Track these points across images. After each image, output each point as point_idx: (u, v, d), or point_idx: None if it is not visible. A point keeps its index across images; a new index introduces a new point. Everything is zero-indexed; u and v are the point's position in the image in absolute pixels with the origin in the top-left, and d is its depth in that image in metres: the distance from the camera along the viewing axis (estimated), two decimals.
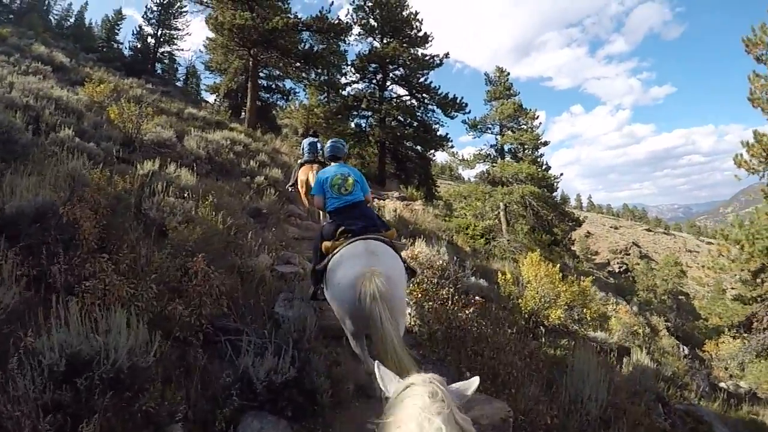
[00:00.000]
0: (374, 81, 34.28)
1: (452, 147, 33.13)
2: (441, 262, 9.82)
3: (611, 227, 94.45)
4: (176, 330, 4.32)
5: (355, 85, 35.01)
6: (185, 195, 8.14)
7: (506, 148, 28.11)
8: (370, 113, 34.07)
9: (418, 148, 34.11)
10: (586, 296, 8.90)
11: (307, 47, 26.22)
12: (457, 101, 32.32)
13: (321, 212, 9.30)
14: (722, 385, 13.56)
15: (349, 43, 30.27)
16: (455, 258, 11.41)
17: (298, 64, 27.04)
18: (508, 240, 22.86)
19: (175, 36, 43.15)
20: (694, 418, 7.96)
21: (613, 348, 11.39)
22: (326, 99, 32.92)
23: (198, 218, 6.99)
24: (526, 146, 26.69)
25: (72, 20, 45.78)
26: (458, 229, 21.09)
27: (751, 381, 14.38)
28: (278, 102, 34.68)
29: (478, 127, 28.50)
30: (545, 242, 23.96)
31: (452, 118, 33.21)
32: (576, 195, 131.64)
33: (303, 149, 11.70)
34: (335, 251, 4.54)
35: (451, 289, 8.08)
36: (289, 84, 35.54)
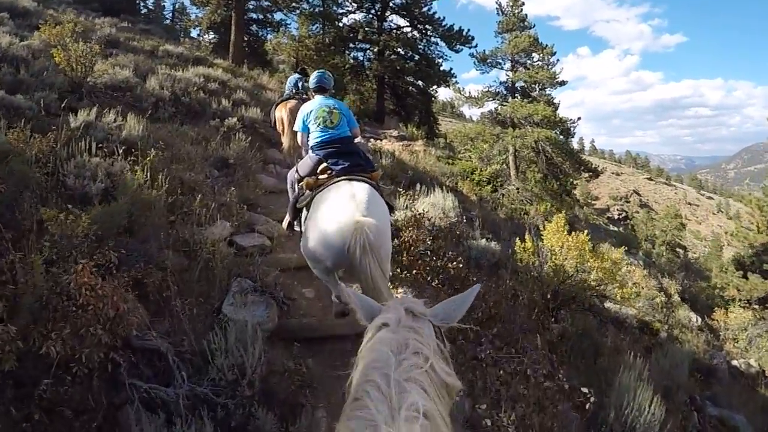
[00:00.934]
0: (372, 11, 31.72)
1: (456, 83, 30.97)
2: (447, 222, 8.30)
3: (612, 173, 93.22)
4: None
5: (352, 16, 32.40)
6: (128, 150, 6.55)
7: (518, 85, 25.39)
8: (367, 46, 31.69)
9: (420, 83, 31.98)
10: (616, 272, 7.29)
11: None
12: (463, 34, 29.90)
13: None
14: (734, 363, 12.31)
15: None
16: (461, 213, 9.94)
17: None
18: (517, 188, 21.11)
19: None
20: (729, 428, 7.34)
21: (635, 325, 10.16)
22: (320, 30, 30.13)
23: (128, 182, 5.35)
24: (541, 85, 24.03)
25: None
26: (463, 174, 19.48)
27: (762, 360, 13.22)
28: (269, 36, 31.95)
29: (488, 61, 25.78)
30: (557, 192, 22.15)
31: (457, 51, 30.93)
32: (579, 138, 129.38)
33: (286, 86, 11.48)
34: (318, 190, 4.40)
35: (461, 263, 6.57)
36: (281, 17, 33.24)
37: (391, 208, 5.13)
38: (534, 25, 24.14)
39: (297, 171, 4.95)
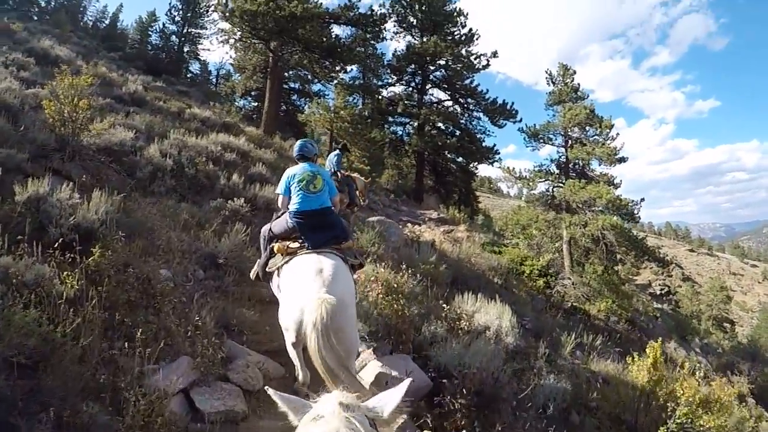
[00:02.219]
0: (413, 84, 30.59)
1: (500, 159, 29.23)
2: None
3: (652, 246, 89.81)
4: None
5: (392, 88, 31.37)
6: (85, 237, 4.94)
7: (572, 164, 23.00)
8: (407, 119, 30.37)
9: (460, 160, 30.23)
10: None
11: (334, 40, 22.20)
12: (507, 107, 28.35)
13: None
14: None
15: (383, 38, 26.26)
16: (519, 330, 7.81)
17: (324, 61, 23.31)
18: (573, 282, 18.54)
19: (202, 35, 40.66)
20: None
21: None
22: (357, 102, 28.87)
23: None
24: (600, 162, 21.42)
25: (107, 22, 45.12)
26: (512, 267, 17.29)
27: None
28: (306, 106, 30.81)
29: (539, 136, 23.53)
30: (616, 285, 19.27)
31: (501, 126, 29.33)
32: None
33: (326, 164, 11.47)
34: (286, 260, 4.45)
35: None
36: (319, 87, 32.32)
37: (360, 265, 5.21)
38: (588, 95, 22.11)
39: (270, 229, 4.94)
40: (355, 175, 13.24)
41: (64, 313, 3.77)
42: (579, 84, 22.57)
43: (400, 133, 31.58)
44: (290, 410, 1.74)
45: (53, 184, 5.75)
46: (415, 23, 29.57)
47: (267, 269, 4.73)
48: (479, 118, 29.60)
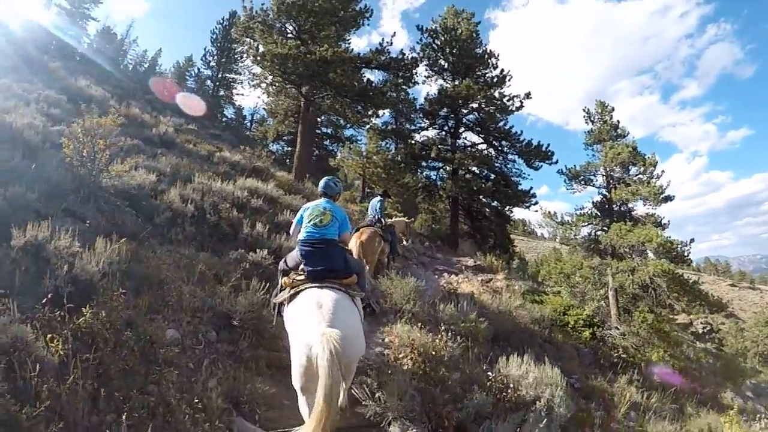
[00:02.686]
0: (445, 127, 30.02)
1: (536, 202, 28.23)
2: None
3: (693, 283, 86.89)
4: None
5: (424, 133, 30.84)
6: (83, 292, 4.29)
7: (615, 205, 21.51)
8: (440, 164, 29.68)
9: (495, 204, 29.14)
10: None
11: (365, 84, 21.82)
12: (542, 149, 27.47)
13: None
14: None
15: (414, 83, 25.83)
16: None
17: (356, 105, 22.98)
18: (621, 332, 17.13)
19: (236, 80, 41.35)
20: None
21: None
22: (390, 147, 28.38)
23: None
24: (646, 202, 19.99)
25: (146, 66, 46.25)
26: (555, 316, 16.23)
27: None
28: (338, 151, 30.47)
29: (580, 177, 22.55)
30: (667, 332, 17.68)
31: (536, 169, 28.34)
32: None
33: (369, 210, 11.55)
34: (291, 293, 4.62)
35: None
36: (351, 133, 32.07)
37: (373, 311, 5.72)
38: (628, 133, 21.16)
39: (285, 261, 5.20)
40: (398, 217, 13.11)
41: (43, 383, 3.13)
42: (618, 121, 21.73)
43: (434, 177, 30.76)
44: None
45: (62, 226, 5.18)
46: (446, 66, 29.18)
47: (274, 300, 5.02)
48: (514, 161, 28.66)
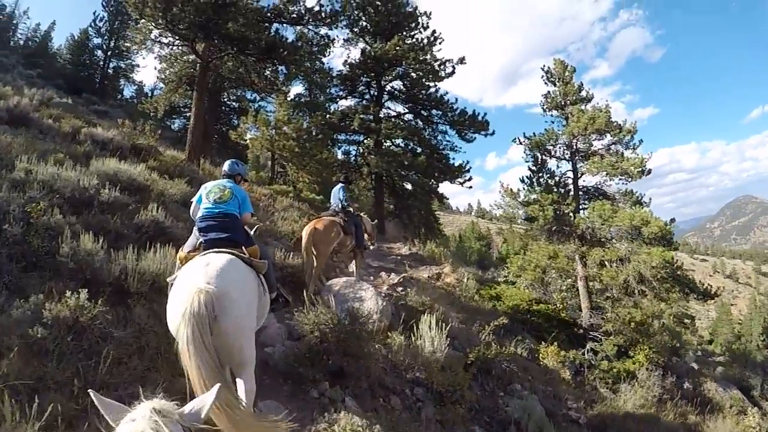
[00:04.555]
0: (367, 96, 26.44)
1: (470, 178, 25.32)
2: None
3: None
4: None
5: (342, 102, 27.21)
6: None
7: (584, 182, 18.07)
8: (361, 137, 26.18)
9: (424, 180, 25.77)
10: None
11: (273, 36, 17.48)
12: (478, 118, 24.57)
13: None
14: None
15: (330, 51, 21.99)
16: None
17: (263, 66, 18.98)
18: (604, 331, 14.29)
19: (129, 50, 35.78)
20: None
21: None
22: (305, 118, 24.24)
23: None
24: (628, 178, 16.38)
25: (38, 41, 41.90)
26: (516, 314, 13.50)
27: None
28: (242, 123, 25.93)
29: (544, 148, 18.28)
30: (640, 323, 15.12)
31: (470, 141, 25.52)
32: None
33: (331, 199, 10.27)
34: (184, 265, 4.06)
35: None
36: (260, 105, 27.92)
37: (286, 302, 5.35)
38: (593, 96, 17.82)
39: (183, 249, 4.64)
40: (363, 215, 11.08)
41: None
42: (582, 83, 18.28)
43: (354, 152, 27.47)
44: (109, 414, 1.78)
45: None
46: (369, 27, 25.57)
47: (169, 280, 4.07)
48: (445, 132, 25.74)
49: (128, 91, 41.11)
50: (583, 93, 17.48)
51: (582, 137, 16.72)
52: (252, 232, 5.49)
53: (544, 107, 18.19)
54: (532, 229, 17.08)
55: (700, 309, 61.96)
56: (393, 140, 25.65)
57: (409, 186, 26.36)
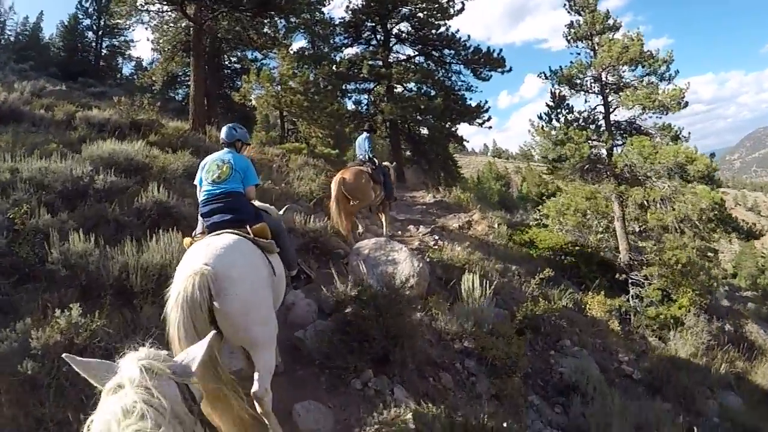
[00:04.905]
0: (373, 42, 25.15)
1: (489, 118, 24.20)
2: None
3: None
4: None
5: (348, 51, 25.85)
6: None
7: (616, 117, 16.39)
8: (372, 84, 25.03)
9: (441, 123, 24.64)
10: None
11: None
12: (493, 55, 23.27)
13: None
14: None
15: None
16: None
17: (260, 20, 17.86)
18: (644, 275, 13.39)
19: (119, 25, 34.44)
20: None
21: None
22: (309, 71, 22.96)
23: None
24: (665, 111, 14.81)
25: (28, 34, 40.06)
26: (554, 259, 12.75)
27: None
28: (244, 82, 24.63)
29: (574, 82, 16.48)
30: (684, 264, 14.16)
31: (486, 79, 24.26)
32: None
33: (356, 149, 10.22)
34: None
35: None
36: (262, 62, 26.65)
37: (308, 278, 5.01)
38: (622, 24, 15.76)
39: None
40: (390, 165, 11.19)
41: None
42: (608, 10, 16.48)
43: (365, 102, 26.36)
44: (93, 377, 1.62)
45: None
46: None
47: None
48: (459, 72, 24.46)
49: (127, 69, 39.47)
50: (611, 21, 15.95)
51: (613, 69, 15.39)
52: (282, 212, 5.24)
53: (569, 38, 16.68)
54: (563, 168, 15.95)
55: (723, 241, 60.10)
56: (405, 85, 24.51)
57: (425, 131, 25.30)
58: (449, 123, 24.72)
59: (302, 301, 6.08)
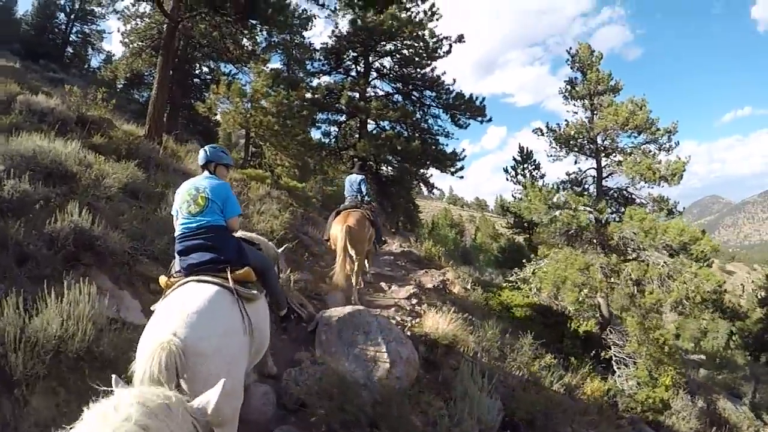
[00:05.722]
0: (353, 72, 23.96)
1: (462, 167, 23.19)
2: None
3: None
4: None
5: (324, 78, 24.49)
6: None
7: (607, 184, 15.62)
8: (345, 117, 23.80)
9: (415, 168, 23.65)
10: None
11: None
12: (475, 102, 22.40)
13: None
14: None
15: (312, 25, 19.52)
16: None
17: (239, 29, 16.43)
18: (628, 354, 12.56)
19: (94, 12, 32.60)
20: None
21: None
22: (283, 88, 21.11)
23: None
24: (665, 181, 13.88)
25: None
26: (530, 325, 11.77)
27: None
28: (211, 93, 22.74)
29: (572, 142, 15.69)
30: (667, 340, 13.06)
31: (463, 127, 23.28)
32: None
33: (345, 189, 9.53)
34: (164, 297, 3.44)
35: None
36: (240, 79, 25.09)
37: (299, 317, 5.09)
38: (623, 86, 15.54)
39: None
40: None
41: None
42: (611, 72, 15.53)
43: (334, 134, 25.00)
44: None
45: None
46: None
47: (152, 309, 3.42)
48: (437, 116, 23.49)
49: (96, 62, 37.29)
50: (613, 83, 15.29)
51: (612, 133, 14.67)
52: (281, 250, 5.01)
53: (567, 95, 16.01)
54: (547, 232, 15.04)
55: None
56: (379, 122, 23.32)
57: (391, 172, 24.08)
58: (422, 168, 23.57)
59: (258, 388, 4.59)
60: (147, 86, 26.13)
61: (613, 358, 13.34)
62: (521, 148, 19.21)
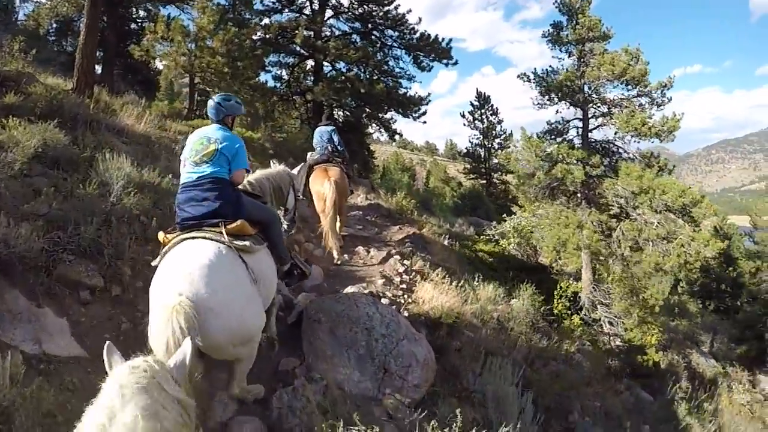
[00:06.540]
0: (306, 11, 22.03)
1: (425, 113, 21.90)
2: None
3: None
4: None
5: (276, 17, 22.47)
6: None
7: (595, 137, 14.60)
8: (298, 58, 22.11)
9: (374, 111, 22.24)
10: None
11: None
12: (440, 43, 21.02)
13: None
14: None
15: None
16: None
17: None
18: (615, 314, 12.17)
19: None
20: None
21: None
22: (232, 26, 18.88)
23: None
24: (658, 137, 13.08)
25: None
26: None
27: None
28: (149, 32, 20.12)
29: (562, 90, 14.33)
30: (658, 302, 12.75)
31: (427, 69, 22.01)
32: None
33: (315, 141, 8.88)
34: (162, 255, 3.44)
35: None
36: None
37: (302, 275, 4.83)
38: (614, 34, 14.40)
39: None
40: None
41: None
42: (601, 18, 14.40)
43: (286, 76, 23.26)
44: (111, 364, 1.91)
45: None
46: None
47: (153, 264, 3.51)
48: (399, 58, 22.03)
49: (24, 13, 33.73)
50: (608, 31, 14.21)
51: (601, 82, 13.70)
52: (297, 170, 5.13)
53: (554, 41, 14.86)
54: (529, 185, 14.11)
55: None
56: (335, 64, 21.73)
57: (354, 118, 22.76)
58: (381, 112, 22.20)
59: (245, 425, 3.57)
60: (78, 35, 23.68)
61: (603, 318, 13.01)
62: (479, 93, 18.22)
